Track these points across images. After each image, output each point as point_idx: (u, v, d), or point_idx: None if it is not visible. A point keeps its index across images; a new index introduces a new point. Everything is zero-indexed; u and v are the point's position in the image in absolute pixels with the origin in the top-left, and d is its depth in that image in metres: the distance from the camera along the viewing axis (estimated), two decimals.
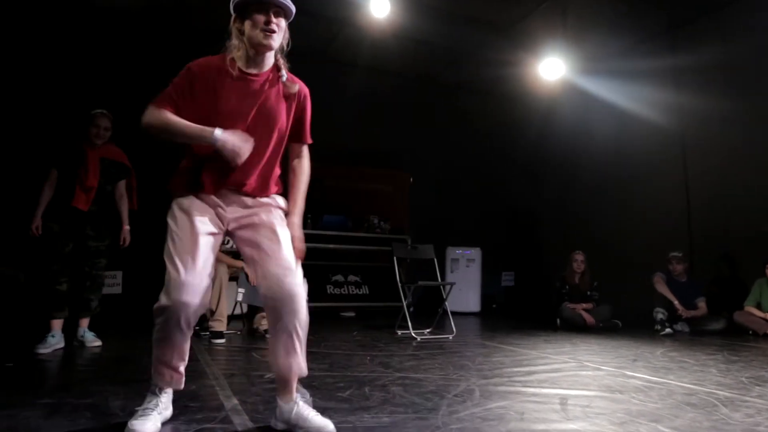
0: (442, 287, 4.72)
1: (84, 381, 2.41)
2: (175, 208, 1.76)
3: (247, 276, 4.05)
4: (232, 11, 1.77)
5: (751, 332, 4.63)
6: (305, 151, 1.96)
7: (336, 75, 6.84)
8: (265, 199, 1.83)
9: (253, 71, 1.77)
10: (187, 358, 1.80)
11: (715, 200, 5.76)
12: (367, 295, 6.49)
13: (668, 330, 4.72)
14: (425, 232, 6.86)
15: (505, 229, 8.35)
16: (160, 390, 1.79)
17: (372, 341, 3.98)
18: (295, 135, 1.90)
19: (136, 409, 1.76)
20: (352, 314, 6.26)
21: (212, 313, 3.91)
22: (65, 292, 3.41)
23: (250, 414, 1.89)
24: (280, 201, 1.87)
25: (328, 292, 6.33)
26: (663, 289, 5.00)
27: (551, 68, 6.45)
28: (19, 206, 3.64)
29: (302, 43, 6.94)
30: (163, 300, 1.63)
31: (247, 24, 1.73)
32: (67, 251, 3.43)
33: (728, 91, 5.61)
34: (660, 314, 4.85)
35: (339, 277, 6.39)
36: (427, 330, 4.48)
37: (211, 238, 1.74)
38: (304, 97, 1.89)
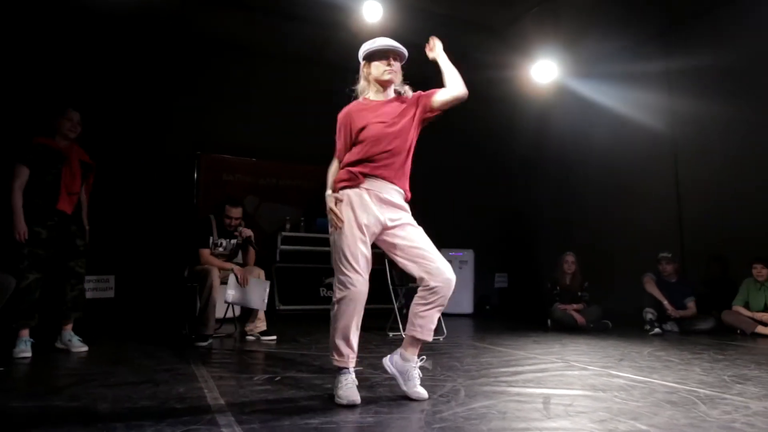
0: None
1: (72, 386, 2.43)
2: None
3: (237, 277, 4.06)
4: (361, 60, 2.36)
5: (739, 331, 4.68)
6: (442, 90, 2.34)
7: (329, 79, 6.84)
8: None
9: (382, 99, 2.35)
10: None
11: (706, 202, 5.81)
12: None
13: (657, 330, 4.76)
14: None
15: (498, 231, 8.39)
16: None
17: (363, 343, 3.93)
18: (430, 102, 2.33)
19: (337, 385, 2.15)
20: None
21: (201, 315, 3.92)
22: (37, 300, 3.32)
23: (236, 416, 1.91)
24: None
25: (321, 294, 6.35)
26: (652, 289, 5.04)
27: (544, 71, 6.50)
28: None
29: (295, 47, 7.01)
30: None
31: (373, 67, 2.32)
32: (48, 257, 3.37)
33: (720, 94, 5.66)
34: (650, 314, 4.89)
35: (332, 280, 6.42)
36: None
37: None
38: (416, 95, 2.36)
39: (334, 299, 2.24)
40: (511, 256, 8.27)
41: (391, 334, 4.42)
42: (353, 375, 2.22)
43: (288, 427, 1.77)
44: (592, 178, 7.24)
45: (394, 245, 2.26)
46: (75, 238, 3.51)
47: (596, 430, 1.77)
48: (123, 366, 2.92)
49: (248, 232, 4.35)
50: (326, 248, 6.21)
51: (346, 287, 2.18)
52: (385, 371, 2.34)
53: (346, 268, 2.19)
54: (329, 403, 2.12)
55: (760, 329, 4.55)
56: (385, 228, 2.26)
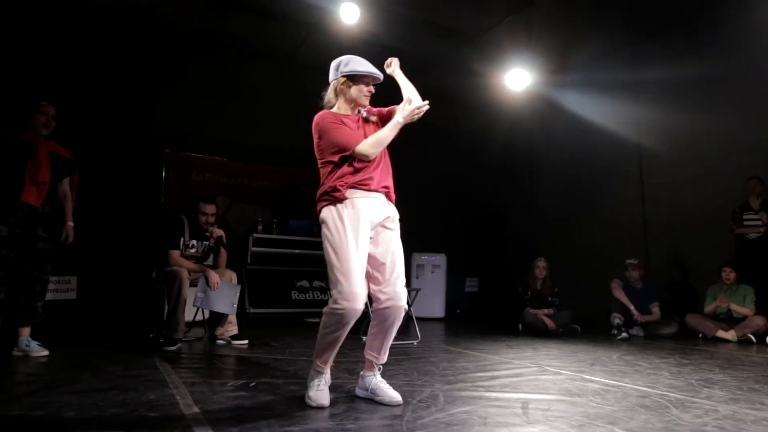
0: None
1: (33, 393, 2.30)
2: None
3: (207, 280, 3.94)
4: (340, 76, 2.34)
5: (701, 335, 4.85)
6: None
7: (305, 79, 6.78)
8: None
9: (351, 115, 2.38)
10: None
11: (670, 209, 6.02)
12: None
13: (624, 335, 4.89)
14: None
15: (470, 236, 8.48)
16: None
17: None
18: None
19: (309, 386, 2.19)
20: (317, 320, 6.21)
21: (170, 319, 3.79)
22: (2, 301, 3.16)
23: (212, 423, 1.85)
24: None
25: (293, 297, 6.26)
26: (620, 294, 5.17)
27: (517, 79, 6.60)
28: None
29: (272, 46, 6.90)
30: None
31: (354, 89, 2.34)
32: (12, 257, 3.20)
33: (685, 105, 5.88)
34: (617, 319, 5.02)
35: (304, 283, 6.34)
36: None
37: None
38: (377, 111, 2.45)
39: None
40: (482, 260, 8.36)
41: (364, 338, 4.37)
42: (328, 376, 2.25)
43: None
44: (562, 185, 7.40)
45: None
46: (38, 241, 3.31)
47: None
48: (88, 371, 2.79)
49: (219, 233, 4.24)
50: (299, 250, 6.20)
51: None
52: (361, 397, 2.31)
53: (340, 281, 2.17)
54: (307, 409, 2.08)
55: (721, 334, 4.73)
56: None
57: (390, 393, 2.21)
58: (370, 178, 2.25)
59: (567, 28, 6.56)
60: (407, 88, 2.47)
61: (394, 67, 2.53)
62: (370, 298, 2.29)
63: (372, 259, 2.25)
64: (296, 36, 6.57)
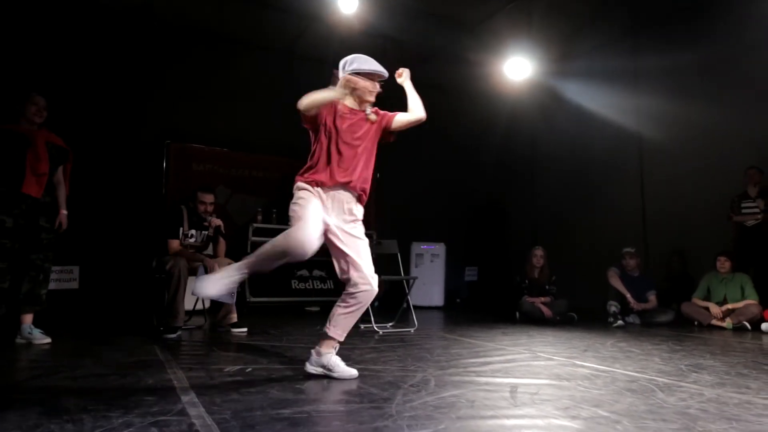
0: (405, 282, 4.80)
1: (35, 378, 2.37)
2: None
3: (206, 269, 3.99)
4: (348, 69, 2.45)
5: (696, 323, 4.89)
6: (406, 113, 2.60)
7: (304, 71, 6.81)
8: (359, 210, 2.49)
9: (357, 110, 2.51)
10: None
11: (669, 199, 6.03)
12: (332, 290, 6.49)
13: (620, 322, 4.93)
14: (390, 227, 6.92)
15: (469, 225, 8.50)
16: None
17: None
18: (391, 123, 2.57)
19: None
20: (317, 309, 6.29)
21: (169, 307, 3.85)
22: (6, 290, 3.25)
23: (206, 406, 1.90)
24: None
25: (293, 287, 6.32)
26: (616, 283, 5.21)
27: (517, 68, 6.58)
28: None
29: (269, 37, 6.91)
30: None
31: (361, 84, 2.45)
32: (16, 247, 3.27)
33: (685, 94, 5.86)
34: (613, 307, 5.06)
35: (304, 272, 6.40)
36: (390, 324, 4.54)
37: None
38: (382, 114, 2.56)
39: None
40: (481, 250, 8.39)
41: (362, 326, 4.44)
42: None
43: (259, 417, 1.77)
44: (561, 174, 7.41)
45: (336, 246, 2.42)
46: (41, 231, 3.39)
47: (560, 416, 1.83)
48: (88, 358, 2.86)
49: (218, 222, 4.29)
50: None
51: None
52: (315, 375, 2.43)
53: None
54: (301, 393, 2.13)
55: (716, 321, 4.77)
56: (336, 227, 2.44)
57: (347, 370, 2.39)
58: (335, 174, 2.39)
59: (568, 16, 6.53)
60: (414, 100, 2.58)
61: (405, 77, 2.64)
62: (343, 284, 2.43)
63: (342, 254, 2.40)
64: (294, 27, 6.57)
